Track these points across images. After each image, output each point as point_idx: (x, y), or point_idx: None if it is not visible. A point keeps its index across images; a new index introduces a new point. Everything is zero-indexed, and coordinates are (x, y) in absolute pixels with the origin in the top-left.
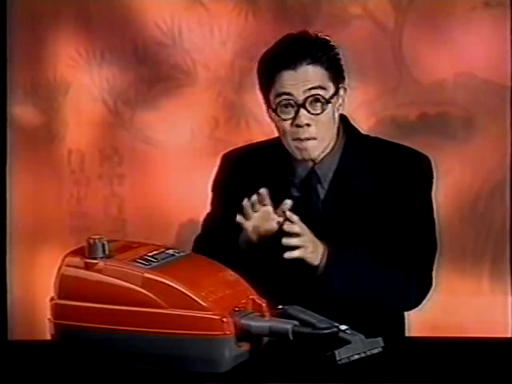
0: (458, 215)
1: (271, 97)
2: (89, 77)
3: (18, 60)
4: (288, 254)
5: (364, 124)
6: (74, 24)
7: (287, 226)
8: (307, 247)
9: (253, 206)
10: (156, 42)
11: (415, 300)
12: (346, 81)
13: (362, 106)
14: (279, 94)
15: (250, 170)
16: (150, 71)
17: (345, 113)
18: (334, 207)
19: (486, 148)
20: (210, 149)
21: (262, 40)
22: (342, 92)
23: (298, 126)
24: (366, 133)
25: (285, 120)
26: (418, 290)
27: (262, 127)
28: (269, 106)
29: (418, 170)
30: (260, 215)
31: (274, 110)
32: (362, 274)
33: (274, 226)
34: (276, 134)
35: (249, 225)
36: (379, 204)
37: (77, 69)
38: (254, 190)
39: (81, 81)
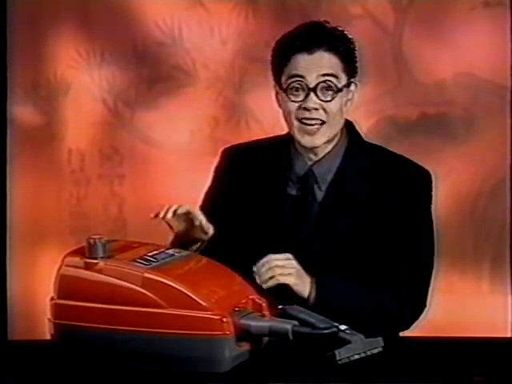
0: (458, 215)
1: (283, 78)
2: (89, 77)
3: (18, 60)
4: (266, 284)
5: (364, 124)
6: (74, 24)
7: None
8: (291, 274)
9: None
10: (156, 42)
11: (407, 322)
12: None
13: (361, 106)
14: (292, 76)
15: (248, 166)
16: (150, 71)
17: (349, 113)
18: (331, 211)
19: (486, 148)
20: (209, 149)
21: (262, 40)
22: (353, 87)
23: (306, 109)
24: (366, 133)
25: (293, 101)
26: (411, 313)
27: (262, 127)
28: (279, 87)
29: (417, 185)
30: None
31: (285, 91)
32: (350, 302)
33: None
34: (277, 134)
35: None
36: (375, 215)
37: (77, 69)
38: (251, 186)
39: (81, 81)
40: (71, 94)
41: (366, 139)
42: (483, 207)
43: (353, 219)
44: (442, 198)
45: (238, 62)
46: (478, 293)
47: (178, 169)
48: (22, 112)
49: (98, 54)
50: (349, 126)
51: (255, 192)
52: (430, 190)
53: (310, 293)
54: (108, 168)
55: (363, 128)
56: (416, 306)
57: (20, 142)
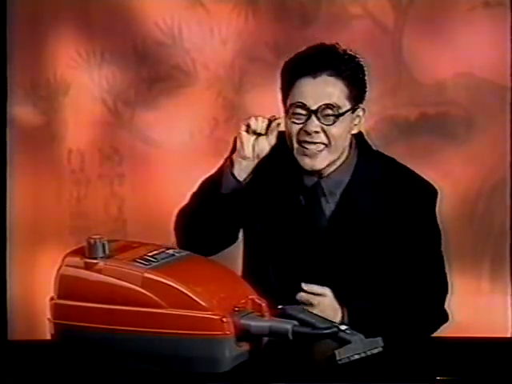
0: (458, 215)
1: (288, 102)
2: (89, 77)
3: (18, 60)
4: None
5: (364, 124)
6: (74, 24)
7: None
8: (325, 311)
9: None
10: (156, 42)
11: (430, 330)
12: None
13: None
14: (294, 103)
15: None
16: (150, 71)
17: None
18: (341, 225)
19: (486, 148)
20: (210, 149)
21: (261, 40)
22: (360, 112)
23: (307, 132)
24: (365, 133)
25: (295, 124)
26: (432, 323)
27: None
28: (284, 110)
29: (425, 201)
30: (262, 137)
31: (286, 113)
32: (381, 321)
33: (267, 148)
34: None
35: (249, 139)
36: (384, 230)
37: (77, 69)
38: (264, 179)
39: (81, 81)
40: (71, 93)
41: (374, 148)
42: (483, 207)
43: (363, 235)
44: (442, 198)
45: (238, 62)
46: (477, 293)
47: (178, 169)
48: (21, 112)
49: (98, 54)
50: (358, 136)
51: (265, 186)
52: (435, 206)
53: (342, 322)
54: (108, 168)
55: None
56: (436, 318)
57: (20, 141)
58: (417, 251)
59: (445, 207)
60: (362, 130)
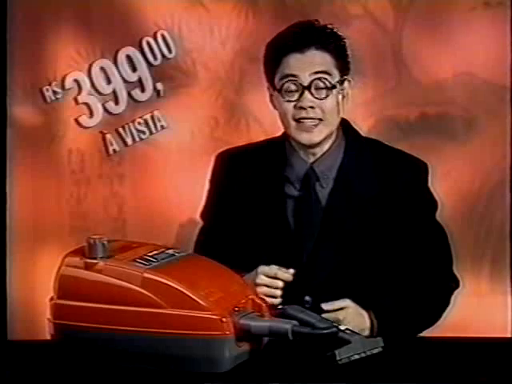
0: (458, 215)
1: (276, 79)
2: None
3: (18, 60)
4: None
5: (364, 124)
6: (74, 24)
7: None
8: (352, 321)
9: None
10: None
11: (445, 298)
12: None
13: (361, 106)
14: (285, 76)
15: (244, 168)
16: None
17: (345, 112)
18: (339, 210)
19: (486, 148)
20: (210, 149)
21: (261, 40)
22: (346, 84)
23: (302, 108)
24: (366, 133)
25: (288, 102)
26: (446, 290)
27: (262, 127)
28: (273, 89)
29: (419, 178)
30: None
31: (279, 91)
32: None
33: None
34: (276, 134)
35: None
36: (382, 211)
37: (77, 69)
38: (249, 188)
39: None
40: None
41: (363, 134)
42: (483, 207)
43: (361, 218)
44: (442, 197)
45: (238, 61)
46: (477, 293)
47: (178, 169)
48: (21, 112)
49: (98, 54)
50: (344, 124)
51: (254, 195)
52: (427, 179)
53: (372, 325)
54: (108, 168)
55: (363, 128)
56: (448, 279)
57: (20, 141)
58: (418, 223)
59: (445, 207)
60: (348, 119)
